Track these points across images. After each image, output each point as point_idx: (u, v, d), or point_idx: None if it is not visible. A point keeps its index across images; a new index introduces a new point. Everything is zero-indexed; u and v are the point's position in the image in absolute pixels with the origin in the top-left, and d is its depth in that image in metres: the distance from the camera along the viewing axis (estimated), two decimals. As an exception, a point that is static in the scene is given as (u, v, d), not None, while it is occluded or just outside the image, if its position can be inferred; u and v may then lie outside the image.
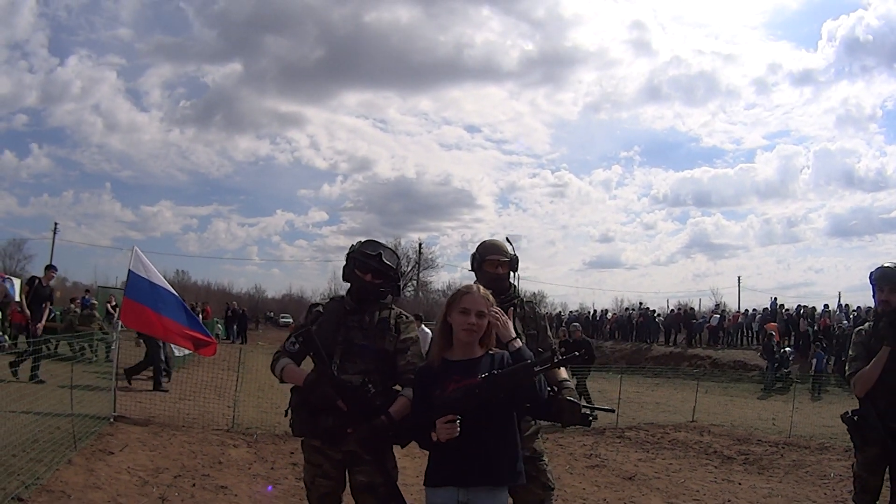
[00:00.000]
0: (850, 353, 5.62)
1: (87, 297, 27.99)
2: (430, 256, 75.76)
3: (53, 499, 6.61)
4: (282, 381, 4.41)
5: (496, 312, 3.89)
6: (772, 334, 29.29)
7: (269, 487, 7.39)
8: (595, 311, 51.43)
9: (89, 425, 9.55)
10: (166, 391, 14.15)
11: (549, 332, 5.18)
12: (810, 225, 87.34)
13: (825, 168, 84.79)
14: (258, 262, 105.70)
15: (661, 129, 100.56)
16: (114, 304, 22.94)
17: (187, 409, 12.14)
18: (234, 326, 38.79)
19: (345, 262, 4.49)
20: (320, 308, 4.52)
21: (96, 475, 7.55)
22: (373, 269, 4.33)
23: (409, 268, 76.15)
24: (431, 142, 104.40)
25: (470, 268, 5.17)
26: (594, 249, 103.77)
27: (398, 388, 4.34)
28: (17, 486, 6.53)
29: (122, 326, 11.98)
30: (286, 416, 4.52)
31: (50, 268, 15.59)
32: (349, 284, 4.51)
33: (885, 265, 5.53)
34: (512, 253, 5.03)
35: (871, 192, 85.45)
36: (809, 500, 8.91)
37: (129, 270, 11.14)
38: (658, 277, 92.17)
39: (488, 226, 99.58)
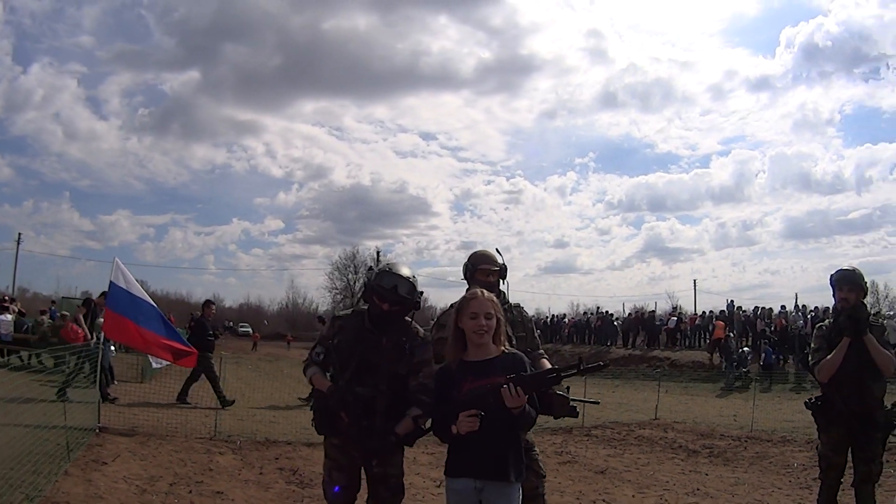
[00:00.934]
0: (813, 345, 6.23)
1: (53, 308, 27.92)
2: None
3: (59, 509, 6.79)
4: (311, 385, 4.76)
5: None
6: (729, 335, 30.02)
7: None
8: (552, 315, 51.91)
9: (78, 437, 9.70)
10: (113, 400, 14.29)
11: (535, 334, 5.59)
12: (766, 228, 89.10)
13: (781, 172, 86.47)
14: (215, 272, 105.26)
15: (617, 136, 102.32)
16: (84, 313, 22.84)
17: (167, 419, 12.35)
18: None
19: (363, 287, 4.71)
20: (342, 321, 4.75)
21: (95, 485, 7.74)
22: (390, 299, 4.51)
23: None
24: (387, 149, 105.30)
25: (462, 276, 5.53)
26: (549, 255, 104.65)
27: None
28: (22, 499, 6.69)
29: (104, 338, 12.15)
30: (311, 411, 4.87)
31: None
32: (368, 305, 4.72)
33: (844, 268, 6.12)
34: (502, 262, 5.41)
35: (828, 195, 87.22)
36: (775, 487, 9.32)
37: (111, 282, 11.31)
38: (613, 281, 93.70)
39: (444, 233, 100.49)
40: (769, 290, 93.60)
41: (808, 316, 32.12)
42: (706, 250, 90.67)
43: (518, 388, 3.79)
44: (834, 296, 6.17)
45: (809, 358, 6.31)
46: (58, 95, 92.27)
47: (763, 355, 28.72)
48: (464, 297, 4.28)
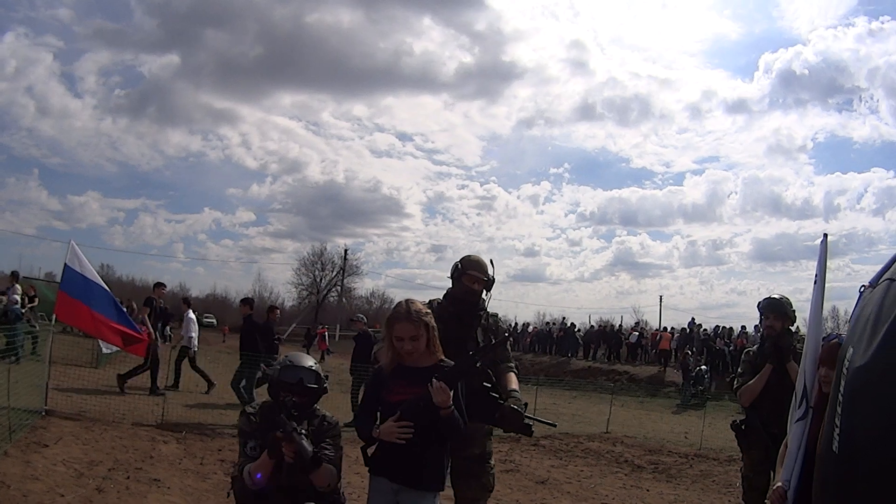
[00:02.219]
0: (739, 370, 6.54)
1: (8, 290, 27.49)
2: (354, 263, 74.91)
3: (-8, 489, 6.80)
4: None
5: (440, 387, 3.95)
6: (688, 353, 30.35)
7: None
8: (517, 323, 51.79)
9: (22, 418, 9.71)
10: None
11: (506, 345, 5.60)
12: (735, 248, 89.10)
13: (753, 194, 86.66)
14: (183, 260, 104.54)
15: (593, 148, 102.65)
16: (32, 294, 22.38)
17: (116, 405, 12.33)
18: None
19: (268, 386, 4.59)
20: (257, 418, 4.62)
21: (33, 467, 7.75)
22: (298, 391, 4.35)
23: (334, 273, 75.99)
24: (363, 148, 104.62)
25: (449, 275, 5.54)
26: (519, 263, 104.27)
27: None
28: (-43, 476, 6.68)
29: (55, 320, 12.11)
30: None
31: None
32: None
33: (772, 296, 6.35)
34: (491, 274, 5.44)
35: (797, 220, 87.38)
36: (713, 506, 9.46)
37: (66, 264, 11.29)
38: (581, 293, 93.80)
39: (414, 234, 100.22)
40: (735, 310, 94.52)
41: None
42: (675, 267, 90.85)
43: (442, 381, 3.86)
44: (760, 322, 6.38)
45: (734, 382, 6.52)
46: (31, 68, 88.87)
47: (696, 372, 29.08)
48: (389, 316, 4.27)
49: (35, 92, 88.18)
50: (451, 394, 3.90)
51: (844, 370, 2.42)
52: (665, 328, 40.26)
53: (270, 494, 4.17)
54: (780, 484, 4.26)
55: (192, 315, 18.32)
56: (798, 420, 4.34)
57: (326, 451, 4.20)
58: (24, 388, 11.00)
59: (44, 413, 10.70)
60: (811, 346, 4.42)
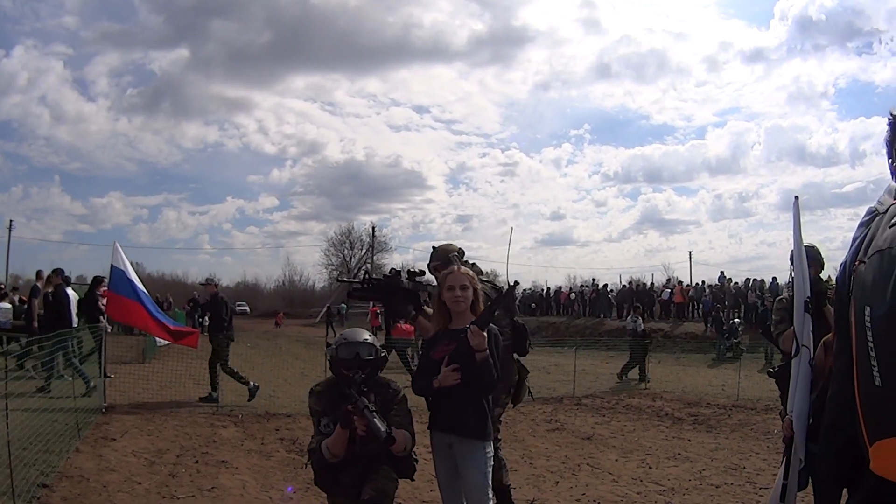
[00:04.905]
0: (774, 317, 6.67)
1: (48, 293, 27.71)
2: (382, 239, 75.43)
3: (74, 483, 7.20)
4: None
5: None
6: (719, 306, 30.47)
7: (290, 489, 7.84)
8: (548, 288, 51.69)
9: (86, 416, 10.17)
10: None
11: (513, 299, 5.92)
12: (762, 200, 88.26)
13: (777, 144, 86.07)
14: (210, 251, 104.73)
15: (612, 107, 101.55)
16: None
17: (170, 396, 12.86)
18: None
19: (329, 363, 4.83)
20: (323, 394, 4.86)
21: (106, 459, 8.20)
22: (357, 366, 4.57)
23: (363, 251, 76.33)
24: (380, 123, 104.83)
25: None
26: (546, 227, 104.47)
27: None
28: (37, 475, 7.10)
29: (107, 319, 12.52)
30: None
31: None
32: None
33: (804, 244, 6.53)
34: (452, 254, 5.51)
35: (823, 168, 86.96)
36: (753, 452, 9.76)
37: (112, 265, 11.73)
38: (610, 254, 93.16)
39: (439, 206, 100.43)
40: (765, 262, 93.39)
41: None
42: (703, 222, 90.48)
43: (474, 325, 4.19)
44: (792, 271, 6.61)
45: (772, 329, 6.74)
46: (43, 78, 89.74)
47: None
48: (443, 273, 4.69)
49: (48, 100, 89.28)
50: (486, 339, 4.21)
51: (867, 324, 2.72)
52: (680, 282, 40.35)
53: (347, 465, 4.49)
54: (787, 415, 4.64)
55: None
56: (793, 357, 4.77)
57: (397, 419, 4.49)
58: (82, 387, 11.46)
59: (104, 409, 11.16)
60: (799, 299, 4.81)
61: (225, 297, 14.99)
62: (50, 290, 14.64)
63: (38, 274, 15.54)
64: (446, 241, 5.85)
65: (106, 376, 12.12)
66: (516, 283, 5.20)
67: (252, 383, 13.37)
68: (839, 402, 3.03)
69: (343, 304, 54.83)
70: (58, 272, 14.90)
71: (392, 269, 5.02)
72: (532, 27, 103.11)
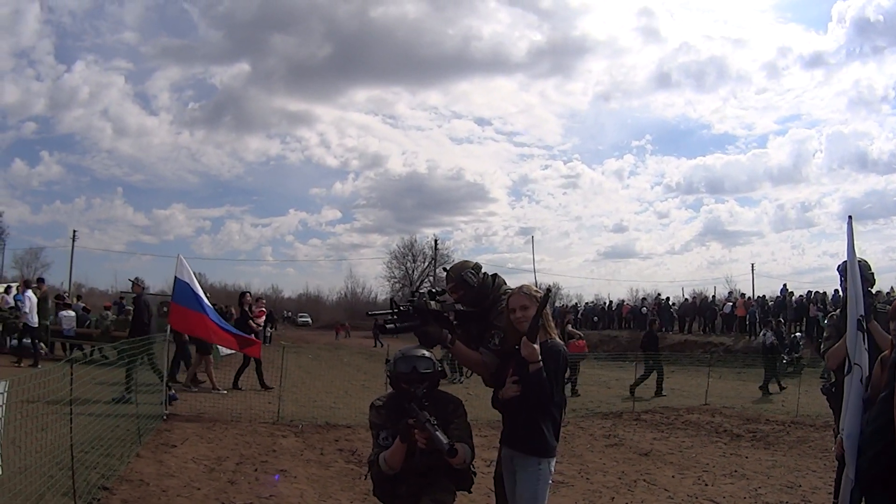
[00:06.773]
0: (825, 334, 6.54)
1: (122, 302, 28.24)
2: (445, 252, 75.18)
3: (134, 486, 7.40)
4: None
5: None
6: (780, 320, 30.00)
7: (276, 476, 8.10)
8: (610, 301, 51.53)
9: (147, 423, 10.40)
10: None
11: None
12: (824, 209, 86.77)
13: (838, 151, 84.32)
14: (272, 263, 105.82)
15: (673, 117, 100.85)
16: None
17: (231, 406, 12.99)
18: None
19: (389, 380, 4.82)
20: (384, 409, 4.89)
21: (166, 465, 8.40)
22: (415, 380, 4.63)
23: (426, 264, 76.56)
24: (442, 136, 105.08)
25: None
26: (608, 239, 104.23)
27: None
28: (97, 478, 7.30)
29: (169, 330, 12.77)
30: None
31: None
32: None
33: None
34: (461, 276, 5.21)
35: (885, 175, 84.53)
36: (810, 470, 9.66)
37: (176, 277, 11.98)
38: (673, 266, 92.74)
39: (502, 219, 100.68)
40: (827, 274, 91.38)
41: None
42: (766, 233, 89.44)
43: (524, 337, 4.25)
44: (841, 285, 6.51)
45: (821, 345, 6.63)
46: (104, 92, 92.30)
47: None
48: (508, 294, 4.74)
49: (110, 114, 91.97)
50: (536, 350, 4.25)
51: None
52: (742, 294, 39.91)
53: (406, 477, 4.55)
54: (840, 433, 4.60)
55: None
56: (845, 375, 4.73)
57: (457, 432, 4.53)
58: (144, 395, 11.70)
59: (165, 417, 11.40)
60: (852, 316, 4.77)
61: (147, 299, 15.06)
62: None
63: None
64: (462, 259, 5.69)
65: (176, 383, 12.30)
66: (549, 290, 5.09)
67: (172, 391, 13.31)
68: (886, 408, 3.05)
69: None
70: (139, 281, 15.12)
71: (414, 291, 5.03)
72: (591, 37, 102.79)
